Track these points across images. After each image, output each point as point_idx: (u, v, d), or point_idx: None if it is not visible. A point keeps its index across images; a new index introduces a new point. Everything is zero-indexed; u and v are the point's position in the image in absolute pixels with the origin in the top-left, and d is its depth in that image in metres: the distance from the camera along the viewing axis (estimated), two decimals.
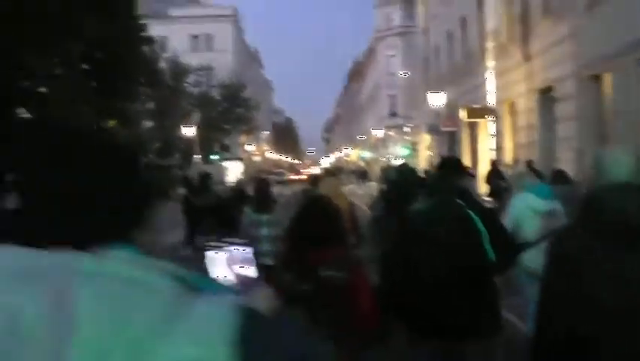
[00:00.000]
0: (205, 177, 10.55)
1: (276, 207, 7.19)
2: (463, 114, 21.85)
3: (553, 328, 1.99)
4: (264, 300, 1.00)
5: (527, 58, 17.51)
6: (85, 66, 20.45)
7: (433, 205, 3.22)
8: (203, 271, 1.24)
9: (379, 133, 42.84)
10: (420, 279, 2.98)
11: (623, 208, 1.90)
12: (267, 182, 8.03)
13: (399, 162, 45.08)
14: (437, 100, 20.76)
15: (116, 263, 0.79)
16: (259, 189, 7.40)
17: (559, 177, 6.69)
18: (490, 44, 21.11)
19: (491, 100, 21.26)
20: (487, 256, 3.00)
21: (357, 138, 69.04)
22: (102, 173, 0.87)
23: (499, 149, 20.77)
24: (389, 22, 51.93)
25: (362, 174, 40.65)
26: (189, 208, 9.19)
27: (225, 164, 33.70)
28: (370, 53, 60.11)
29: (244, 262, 1.31)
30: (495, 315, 3.10)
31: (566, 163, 12.57)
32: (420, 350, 3.01)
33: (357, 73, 74.60)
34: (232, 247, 1.33)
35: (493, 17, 20.87)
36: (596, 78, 13.38)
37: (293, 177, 66.66)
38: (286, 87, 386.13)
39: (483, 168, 22.70)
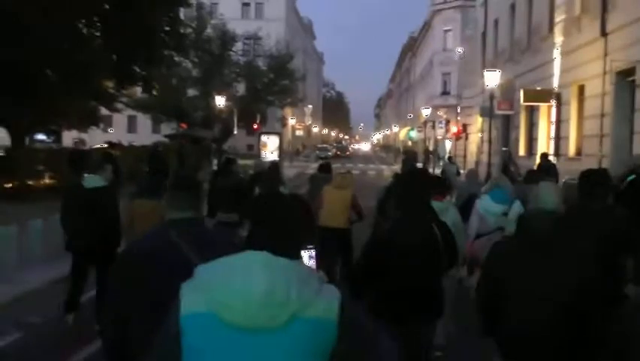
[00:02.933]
0: (228, 162, 11.00)
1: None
2: (521, 96, 19.16)
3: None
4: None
5: (604, 33, 14.74)
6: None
7: (404, 218, 3.83)
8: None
9: (427, 112, 39.86)
10: (392, 281, 3.67)
11: (543, 229, 2.94)
12: (277, 164, 9.78)
13: (445, 144, 42.42)
14: (492, 79, 18.05)
15: (295, 262, 1.63)
16: (270, 171, 8.58)
17: (533, 177, 6.71)
18: (559, 17, 18.26)
19: (555, 82, 18.52)
20: (442, 261, 3.84)
21: (407, 116, 66.08)
22: (287, 224, 1.74)
23: (560, 138, 18.08)
24: None
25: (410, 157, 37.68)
26: (212, 188, 9.72)
27: (263, 138, 31.67)
28: (426, 27, 56.80)
29: (311, 258, 2.68)
30: (441, 303, 3.92)
31: None
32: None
33: (411, 48, 71.20)
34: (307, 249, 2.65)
35: None
36: None
37: (338, 153, 64.83)
38: (339, 60, 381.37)
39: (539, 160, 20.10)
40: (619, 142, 13.94)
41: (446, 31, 48.19)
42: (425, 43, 58.61)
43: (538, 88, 18.98)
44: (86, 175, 6.16)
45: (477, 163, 30.72)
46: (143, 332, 2.11)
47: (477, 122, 32.30)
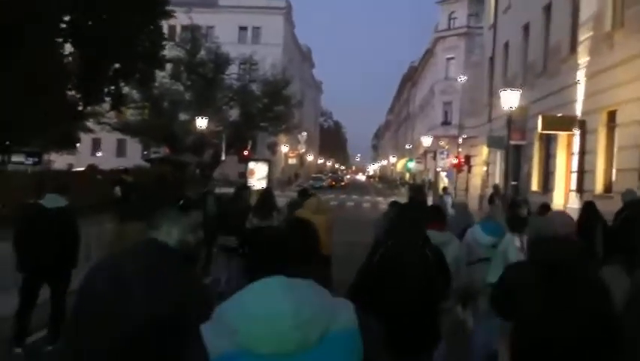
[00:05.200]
0: (240, 188, 10.79)
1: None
2: (538, 124, 16.89)
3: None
4: None
5: None
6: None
7: (400, 246, 3.82)
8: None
9: (427, 142, 37.51)
10: (387, 304, 3.55)
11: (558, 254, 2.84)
12: (270, 191, 9.93)
13: (443, 177, 40.10)
14: (511, 100, 15.67)
15: (306, 282, 1.60)
16: (263, 197, 8.93)
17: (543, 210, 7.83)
18: (584, 35, 16.11)
19: (579, 108, 16.27)
20: (438, 290, 3.82)
21: (406, 147, 63.98)
22: (284, 249, 1.82)
23: (584, 172, 15.73)
24: (452, 22, 46.83)
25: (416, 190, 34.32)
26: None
27: (251, 165, 29.40)
28: (428, 55, 55.05)
29: None
30: (437, 332, 3.86)
31: None
32: None
33: (411, 77, 69.50)
34: None
35: (592, 1, 15.87)
36: None
37: (333, 183, 62.53)
38: (338, 90, 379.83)
39: (558, 196, 17.73)
40: None
41: (449, 59, 46.30)
42: (426, 72, 56.82)
43: (559, 114, 16.72)
44: (47, 195, 6.21)
45: (481, 197, 28.40)
46: None
47: (482, 154, 30.05)
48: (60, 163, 43.27)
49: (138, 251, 2.44)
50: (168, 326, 2.19)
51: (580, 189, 15.70)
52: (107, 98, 18.66)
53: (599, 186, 14.74)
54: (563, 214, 3.40)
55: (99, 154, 61.76)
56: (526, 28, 22.45)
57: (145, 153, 48.92)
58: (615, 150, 14.28)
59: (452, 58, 45.84)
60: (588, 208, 9.01)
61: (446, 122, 45.56)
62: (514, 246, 5.61)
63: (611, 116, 14.54)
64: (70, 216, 6.25)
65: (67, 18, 17.47)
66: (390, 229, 4.14)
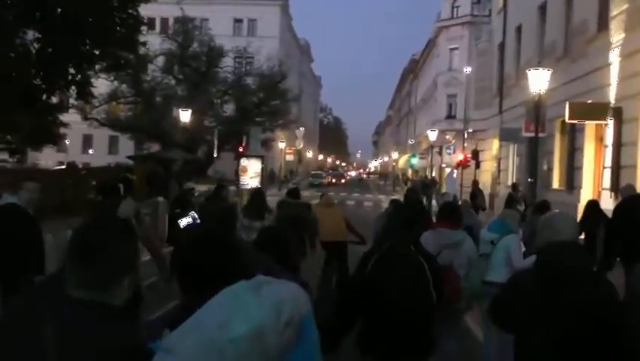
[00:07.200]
0: (218, 188, 10.38)
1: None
2: (561, 113, 14.71)
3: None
4: None
5: None
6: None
7: (392, 254, 3.68)
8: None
9: (433, 136, 35.26)
10: (380, 314, 3.55)
11: (571, 263, 2.61)
12: (262, 191, 10.10)
13: (451, 172, 37.82)
14: (540, 80, 13.23)
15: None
16: (253, 197, 9.05)
17: (543, 208, 7.52)
18: (618, 8, 13.93)
19: (612, 93, 14.12)
20: (432, 299, 3.63)
21: (409, 142, 61.74)
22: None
23: (620, 168, 13.58)
24: (455, 10, 44.57)
25: (425, 186, 31.39)
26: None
27: (243, 162, 27.29)
28: (430, 46, 52.79)
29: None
30: (431, 339, 3.71)
31: None
32: None
33: (413, 70, 67.22)
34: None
35: None
36: None
37: (331, 180, 60.25)
38: (338, 85, 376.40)
39: (586, 195, 15.57)
40: None
41: (452, 49, 44.02)
42: (428, 64, 54.57)
43: (589, 101, 14.57)
44: (3, 195, 5.81)
45: (492, 196, 26.26)
46: None
47: (492, 148, 27.90)
48: (49, 161, 41.28)
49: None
50: None
51: (615, 188, 13.54)
52: (72, 87, 16.53)
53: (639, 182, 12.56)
54: (567, 218, 2.99)
55: (91, 151, 59.77)
56: (542, 8, 20.27)
57: (137, 149, 47.03)
58: None
59: (456, 48, 43.58)
60: (591, 207, 9.07)
61: (450, 116, 43.34)
62: (516, 246, 5.58)
63: None
64: (23, 217, 5.68)
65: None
66: (382, 235, 4.10)
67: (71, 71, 15.42)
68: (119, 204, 5.52)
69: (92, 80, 17.67)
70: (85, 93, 17.20)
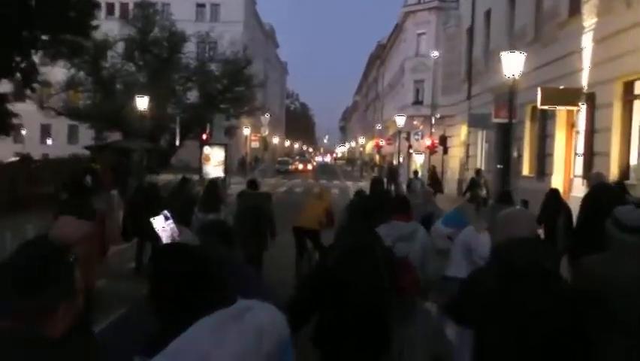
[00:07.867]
0: (182, 182, 10.24)
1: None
2: (537, 98, 14.36)
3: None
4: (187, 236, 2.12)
5: None
6: None
7: (353, 249, 3.68)
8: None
9: (401, 121, 34.87)
10: (339, 311, 3.52)
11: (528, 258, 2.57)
12: (216, 182, 10.33)
13: (419, 159, 37.68)
14: (514, 64, 12.76)
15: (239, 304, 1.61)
16: (207, 189, 9.30)
17: (505, 198, 7.87)
18: None
19: (584, 79, 13.81)
20: (390, 292, 3.65)
21: (376, 127, 61.38)
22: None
23: (593, 155, 13.31)
24: None
25: (391, 173, 30.96)
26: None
27: (206, 150, 26.51)
28: (397, 31, 52.33)
29: (167, 219, 3.07)
30: (386, 337, 3.67)
31: None
32: None
33: (379, 56, 66.76)
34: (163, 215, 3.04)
35: None
36: None
37: (297, 168, 59.54)
38: (304, 71, 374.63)
39: (557, 182, 15.32)
40: None
41: (420, 34, 43.62)
42: (395, 49, 54.15)
43: (561, 87, 14.25)
44: None
45: (460, 181, 26.07)
46: None
47: (460, 134, 27.65)
48: (5, 152, 39.54)
49: None
50: None
51: (588, 175, 13.27)
52: (17, 74, 15.46)
53: (614, 171, 12.30)
54: (525, 214, 3.10)
55: (49, 142, 57.79)
56: None
57: (97, 139, 45.54)
58: (635, 127, 11.88)
59: (423, 33, 43.19)
60: (551, 196, 8.86)
61: (417, 102, 43.05)
62: (475, 238, 5.36)
63: (629, 87, 12.12)
64: None
65: None
66: (343, 228, 4.13)
67: (16, 58, 14.37)
68: (87, 202, 5.31)
69: (49, 66, 16.67)
70: (30, 80, 16.12)
